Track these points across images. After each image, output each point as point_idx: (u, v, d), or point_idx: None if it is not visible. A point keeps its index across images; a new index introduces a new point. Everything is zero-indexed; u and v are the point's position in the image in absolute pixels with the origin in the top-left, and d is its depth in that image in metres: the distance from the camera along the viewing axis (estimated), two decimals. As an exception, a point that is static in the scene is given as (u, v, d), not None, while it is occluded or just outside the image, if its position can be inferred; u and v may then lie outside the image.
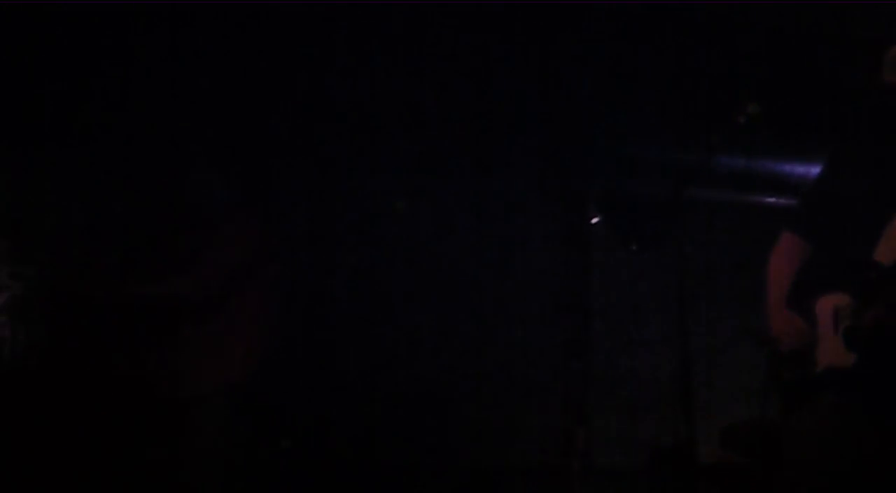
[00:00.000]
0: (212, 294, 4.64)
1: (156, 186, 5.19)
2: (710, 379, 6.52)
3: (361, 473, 5.95)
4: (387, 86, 6.03)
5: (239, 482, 4.81)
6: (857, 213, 3.57)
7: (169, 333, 4.62)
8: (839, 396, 3.47)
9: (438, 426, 6.26)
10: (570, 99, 6.33)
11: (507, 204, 6.61)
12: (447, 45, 6.10)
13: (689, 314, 6.36)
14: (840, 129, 6.45)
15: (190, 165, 4.96)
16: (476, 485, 6.20)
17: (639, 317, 6.74)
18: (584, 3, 5.94)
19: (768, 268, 3.86)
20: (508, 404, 6.45)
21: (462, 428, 6.32)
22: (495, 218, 6.58)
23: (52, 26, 5.43)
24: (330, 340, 6.12)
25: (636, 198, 6.59)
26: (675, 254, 6.17)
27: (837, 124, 6.47)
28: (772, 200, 6.53)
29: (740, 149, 6.48)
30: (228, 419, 4.66)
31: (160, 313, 4.61)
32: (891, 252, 3.45)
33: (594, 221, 6.58)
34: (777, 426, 4.31)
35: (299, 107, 5.92)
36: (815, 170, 3.99)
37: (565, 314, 6.56)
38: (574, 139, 6.34)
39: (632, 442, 6.30)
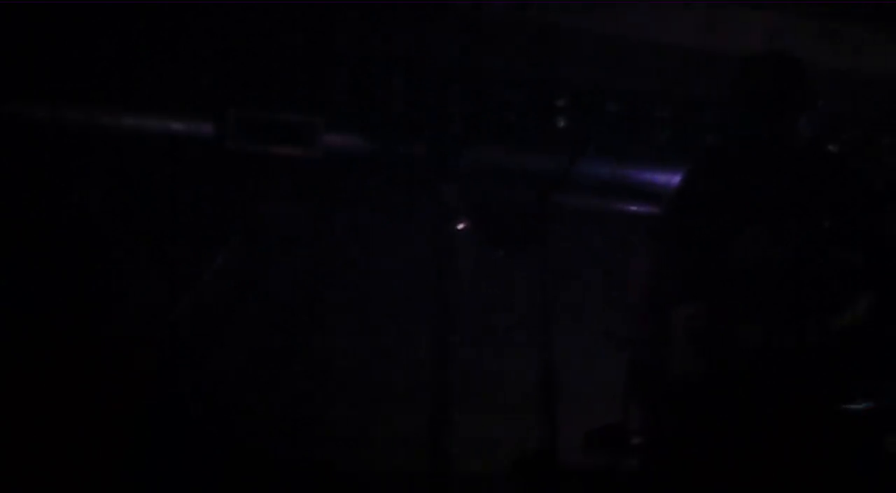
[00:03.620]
0: None
1: None
2: (575, 384, 6.58)
3: (226, 474, 5.88)
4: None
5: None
6: (714, 222, 3.64)
7: None
8: (691, 404, 3.53)
9: (301, 429, 6.22)
10: (438, 104, 6.37)
11: (373, 210, 6.60)
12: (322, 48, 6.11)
13: (555, 319, 6.41)
14: (699, 138, 6.60)
15: None
16: (339, 489, 6.17)
17: (505, 322, 6.77)
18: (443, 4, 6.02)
19: (630, 275, 3.91)
20: (373, 408, 6.43)
21: (326, 431, 6.28)
22: (361, 222, 6.57)
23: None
24: (198, 341, 6.05)
25: (503, 204, 6.63)
26: (541, 260, 6.22)
27: (697, 134, 6.61)
28: (636, 207, 6.62)
29: (605, 156, 6.58)
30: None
31: None
32: (745, 261, 3.53)
33: (461, 226, 6.60)
34: (638, 431, 4.37)
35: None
36: (676, 178, 4.04)
37: (431, 319, 6.57)
38: (440, 145, 6.37)
39: (495, 446, 6.32)
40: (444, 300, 6.56)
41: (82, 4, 5.46)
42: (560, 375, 6.37)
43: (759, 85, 3.67)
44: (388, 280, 6.58)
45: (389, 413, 6.46)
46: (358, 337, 6.48)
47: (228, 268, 6.13)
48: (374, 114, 6.34)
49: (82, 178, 5.78)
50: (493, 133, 6.49)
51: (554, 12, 6.15)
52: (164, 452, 5.61)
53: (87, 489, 5.05)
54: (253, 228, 6.30)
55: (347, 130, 6.31)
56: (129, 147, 5.84)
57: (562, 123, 6.51)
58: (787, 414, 3.45)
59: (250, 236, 6.27)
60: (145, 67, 5.71)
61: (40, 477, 4.81)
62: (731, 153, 3.82)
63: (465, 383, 6.58)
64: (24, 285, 5.52)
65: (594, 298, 6.71)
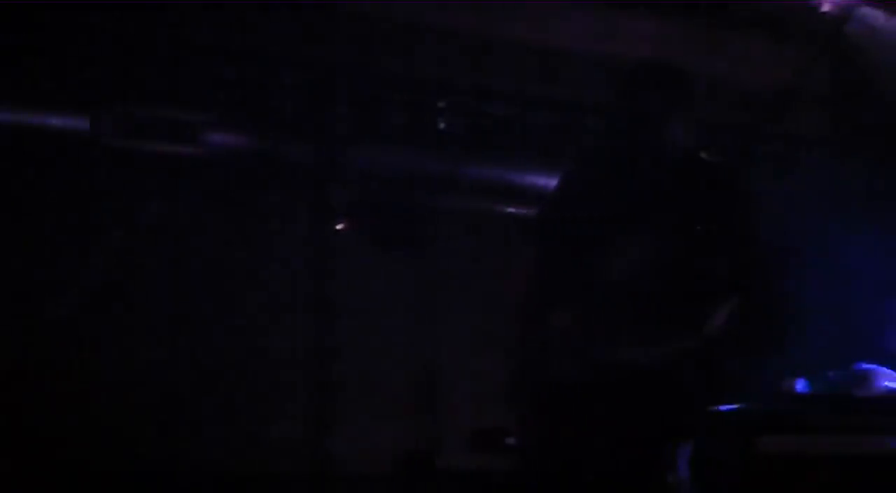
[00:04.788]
0: None
1: None
2: (459, 385, 6.59)
3: (104, 478, 5.80)
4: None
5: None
6: (589, 227, 3.67)
7: None
8: (562, 409, 3.57)
9: (181, 431, 6.14)
10: (324, 104, 6.36)
11: (254, 209, 6.55)
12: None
13: (437, 321, 6.43)
14: (582, 142, 6.68)
15: None
16: (218, 491, 6.11)
17: (386, 323, 6.76)
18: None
19: (511, 279, 3.93)
20: (253, 410, 6.37)
21: (205, 434, 6.21)
22: (242, 222, 6.50)
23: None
24: (71, 341, 5.95)
25: (385, 204, 6.64)
26: (422, 261, 6.26)
27: (580, 138, 6.69)
28: (518, 209, 6.65)
29: (487, 159, 6.63)
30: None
31: None
32: (618, 270, 3.58)
33: (340, 226, 6.59)
34: (520, 431, 4.40)
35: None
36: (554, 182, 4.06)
37: (312, 320, 6.54)
38: (325, 145, 6.35)
39: (377, 448, 6.31)
40: (324, 301, 6.54)
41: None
42: (443, 376, 6.39)
43: (641, 92, 3.72)
44: (267, 280, 6.53)
45: (269, 415, 6.41)
46: (237, 338, 6.40)
47: (104, 266, 6.05)
48: (261, 113, 6.30)
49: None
50: (378, 134, 6.49)
51: (433, 13, 6.19)
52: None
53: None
54: (129, 228, 6.21)
55: (232, 128, 6.26)
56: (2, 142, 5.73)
57: (443, 125, 6.53)
58: (657, 419, 3.50)
59: (127, 236, 6.18)
60: (21, 60, 5.61)
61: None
62: (610, 158, 3.86)
63: (346, 384, 6.55)
64: None
65: (477, 299, 6.73)
